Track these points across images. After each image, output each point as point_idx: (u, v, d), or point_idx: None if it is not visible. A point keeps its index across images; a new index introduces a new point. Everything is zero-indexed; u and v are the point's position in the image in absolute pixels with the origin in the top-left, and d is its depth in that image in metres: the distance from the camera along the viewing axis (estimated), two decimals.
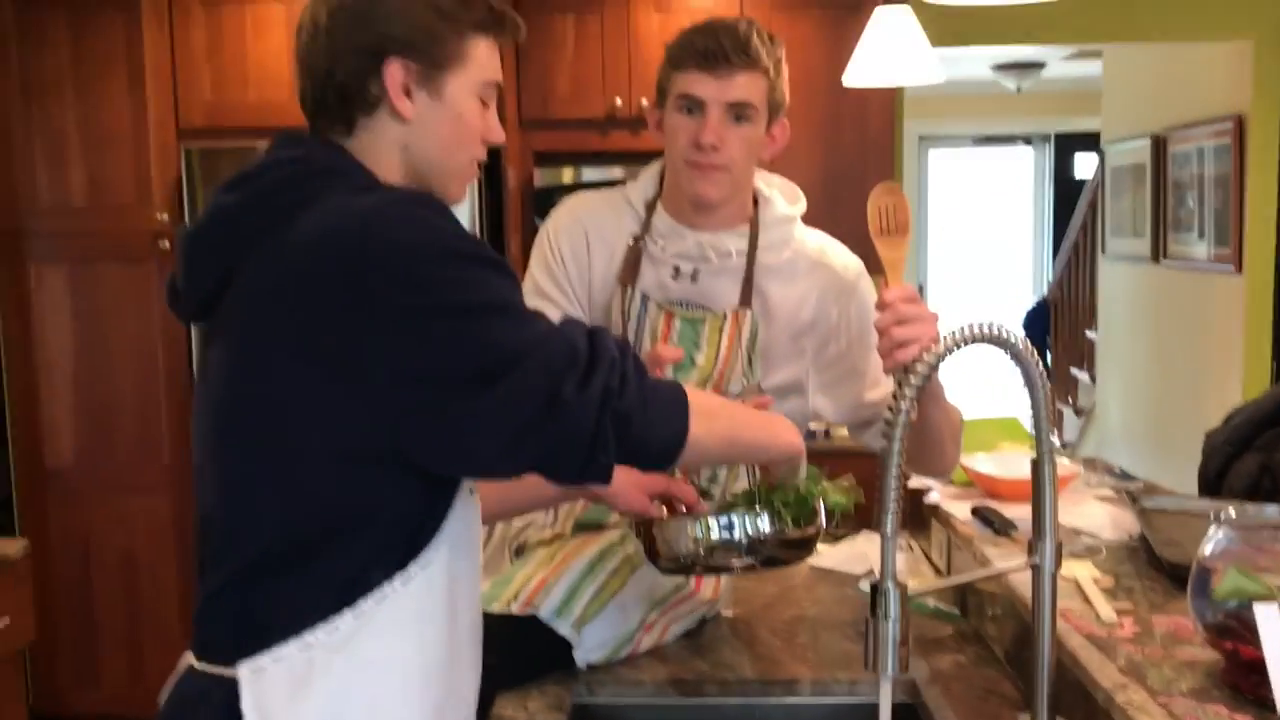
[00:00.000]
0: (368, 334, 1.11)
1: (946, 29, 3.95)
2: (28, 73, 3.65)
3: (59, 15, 3.63)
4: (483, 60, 1.28)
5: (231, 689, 1.16)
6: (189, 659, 1.23)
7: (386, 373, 1.11)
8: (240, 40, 3.63)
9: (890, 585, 1.13)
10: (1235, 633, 1.18)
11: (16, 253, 3.72)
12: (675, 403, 1.22)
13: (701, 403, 1.26)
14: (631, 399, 1.16)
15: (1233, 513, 1.27)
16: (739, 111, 1.68)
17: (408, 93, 1.24)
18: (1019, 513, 1.86)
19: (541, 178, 3.91)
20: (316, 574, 1.17)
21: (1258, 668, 1.14)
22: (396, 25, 1.23)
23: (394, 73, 1.23)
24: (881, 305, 1.53)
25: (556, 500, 1.66)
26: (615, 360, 1.16)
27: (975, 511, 1.95)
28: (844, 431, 3.95)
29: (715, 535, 1.43)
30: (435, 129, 1.26)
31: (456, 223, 1.19)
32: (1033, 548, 1.26)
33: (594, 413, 1.12)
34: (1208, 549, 1.23)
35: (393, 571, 1.19)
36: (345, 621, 1.17)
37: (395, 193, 1.21)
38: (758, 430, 1.39)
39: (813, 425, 3.82)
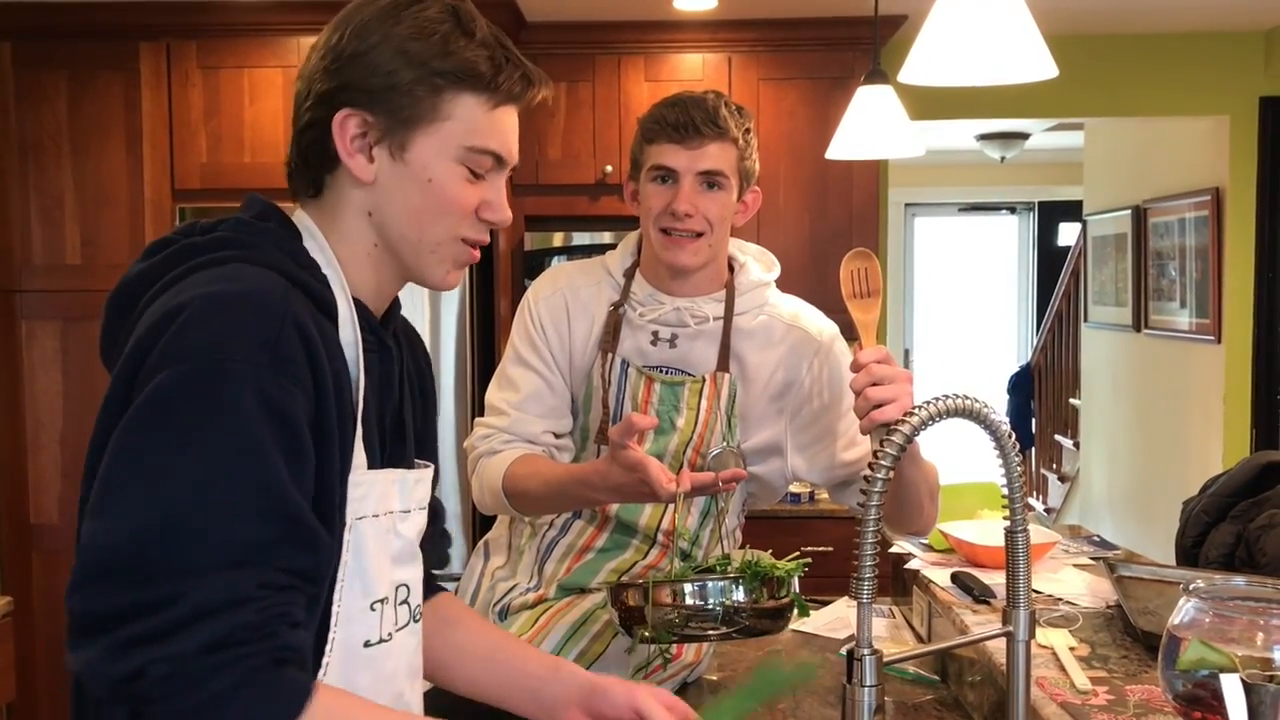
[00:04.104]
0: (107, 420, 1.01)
1: (929, 103, 4.04)
2: (25, 131, 3.71)
3: (58, 75, 3.69)
4: (467, 121, 1.11)
5: None
6: None
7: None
8: (237, 104, 3.69)
9: (866, 652, 1.15)
10: (1204, 702, 1.20)
11: (8, 309, 3.75)
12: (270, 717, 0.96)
13: None
14: (206, 679, 0.93)
15: (1201, 583, 1.29)
16: (710, 179, 1.73)
17: (369, 151, 1.11)
18: (999, 579, 1.89)
19: (532, 241, 3.96)
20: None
21: None
22: (358, 71, 1.09)
23: (344, 125, 1.09)
24: (856, 366, 1.57)
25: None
26: (245, 627, 0.95)
27: (955, 578, 1.98)
28: (826, 495, 3.98)
29: (691, 604, 1.46)
30: (400, 195, 1.12)
31: (280, 348, 0.99)
32: (1007, 616, 1.28)
33: (140, 662, 0.92)
34: (1178, 619, 1.26)
35: None
36: None
37: (232, 290, 1.01)
38: None
39: (795, 489, 3.85)
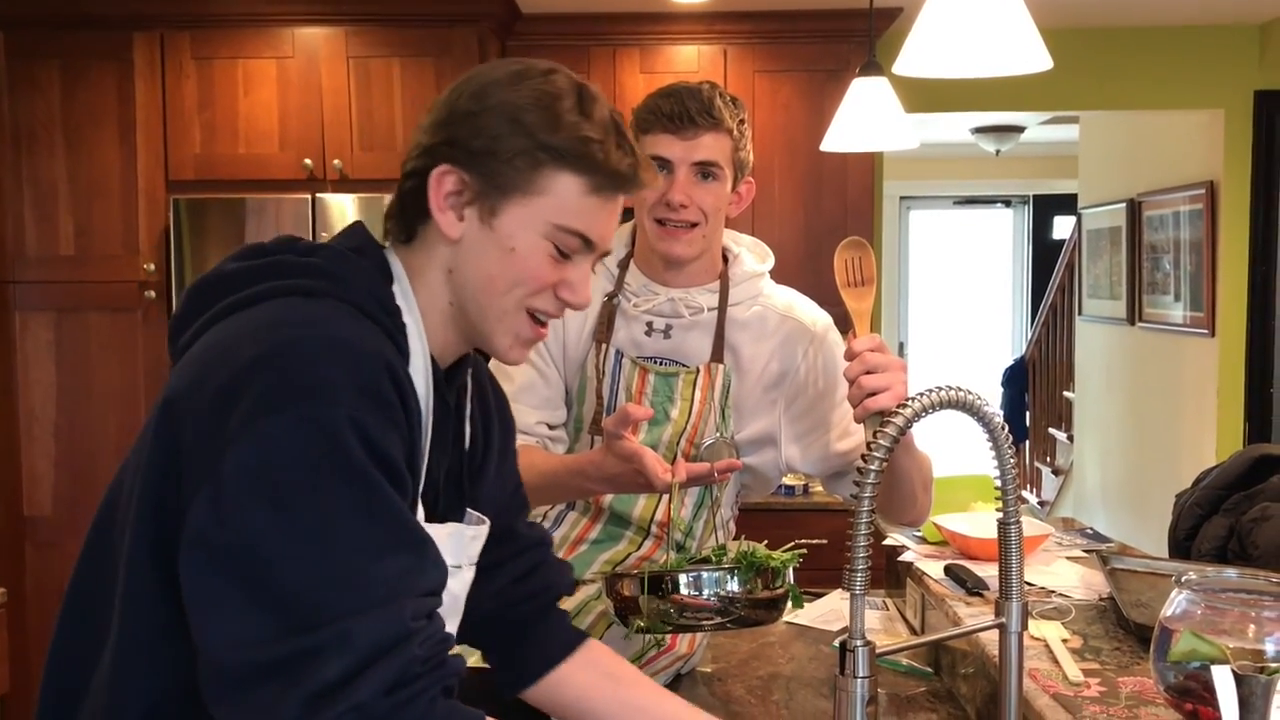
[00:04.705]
0: (189, 469, 0.98)
1: (924, 96, 4.04)
2: (18, 122, 3.70)
3: (51, 65, 3.68)
4: (561, 199, 1.09)
5: None
6: None
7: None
8: (231, 94, 3.68)
9: (858, 643, 1.15)
10: (1195, 694, 1.20)
11: (1, 300, 3.74)
12: None
13: None
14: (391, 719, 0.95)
15: (1193, 575, 1.29)
16: (705, 170, 1.73)
17: (461, 210, 1.10)
18: (992, 571, 1.89)
19: None
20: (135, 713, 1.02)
21: None
22: (466, 129, 1.09)
23: (441, 180, 1.09)
24: (850, 355, 1.57)
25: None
26: (415, 661, 0.97)
27: (948, 570, 1.98)
28: (819, 488, 3.98)
29: (686, 594, 1.46)
30: (481, 259, 1.10)
31: (369, 389, 0.99)
32: (1000, 608, 1.29)
33: (330, 716, 0.93)
34: (1170, 611, 1.26)
35: None
36: None
37: (331, 333, 1.01)
38: None
39: (789, 481, 3.85)
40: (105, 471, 3.85)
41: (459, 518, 1.22)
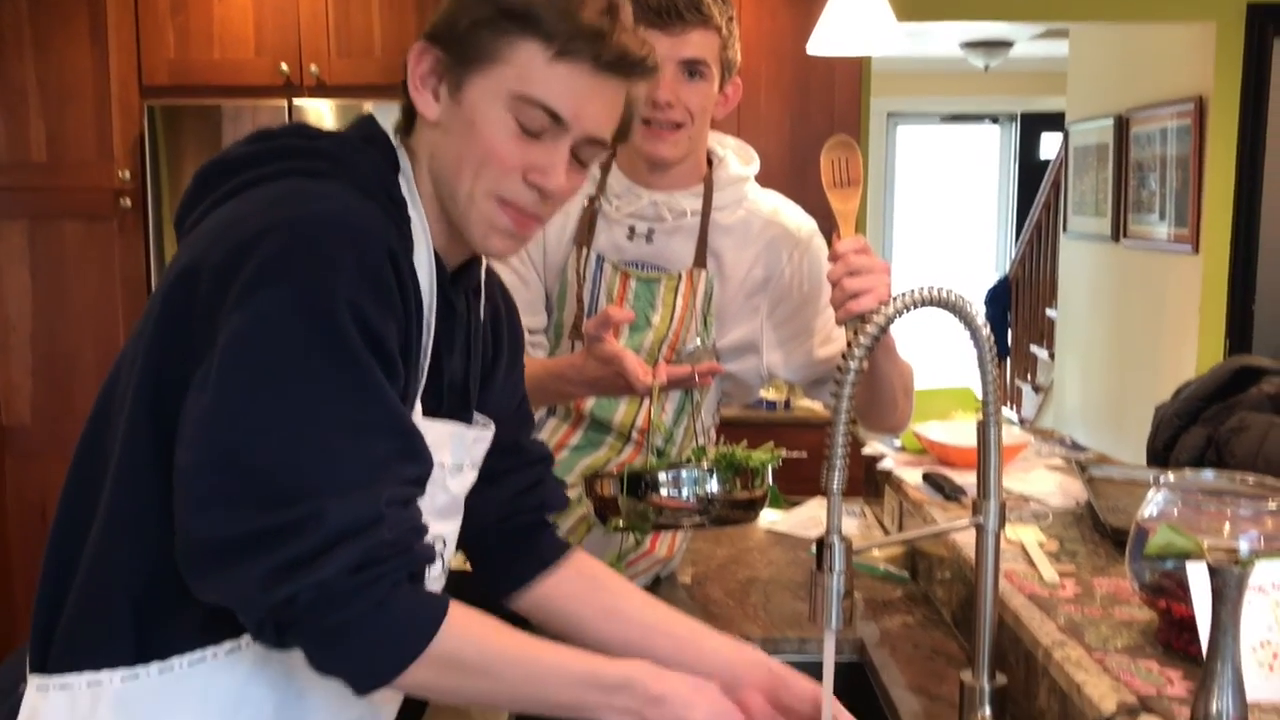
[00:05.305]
0: (194, 344, 0.98)
1: (914, 3, 3.97)
2: None
3: None
4: (521, 67, 1.04)
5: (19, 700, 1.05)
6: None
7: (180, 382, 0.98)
8: None
9: (835, 539, 1.15)
10: (1169, 592, 1.21)
11: None
12: (409, 632, 0.99)
13: (466, 651, 1.02)
14: (352, 599, 0.95)
15: (1172, 477, 1.30)
16: (692, 68, 1.69)
17: (435, 89, 1.08)
18: (969, 479, 1.90)
19: None
20: (124, 599, 1.03)
21: (1189, 625, 1.17)
22: (450, 11, 1.07)
23: (419, 58, 1.08)
24: (834, 256, 1.55)
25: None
26: (384, 545, 0.97)
27: (926, 477, 1.99)
28: (805, 402, 3.99)
29: (665, 494, 1.46)
30: (451, 138, 1.08)
31: (368, 274, 0.98)
32: (977, 507, 1.29)
33: (293, 590, 0.94)
34: (1147, 511, 1.26)
35: (221, 635, 1.03)
36: (149, 674, 1.02)
37: (334, 211, 1.00)
38: (540, 703, 1.07)
39: (772, 396, 3.85)
40: (84, 381, 3.85)
41: (465, 420, 1.21)
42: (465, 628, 1.03)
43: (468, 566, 1.40)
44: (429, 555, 1.04)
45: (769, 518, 2.30)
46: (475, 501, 1.25)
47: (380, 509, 0.97)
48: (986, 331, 1.23)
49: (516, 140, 1.06)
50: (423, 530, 1.04)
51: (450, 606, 1.02)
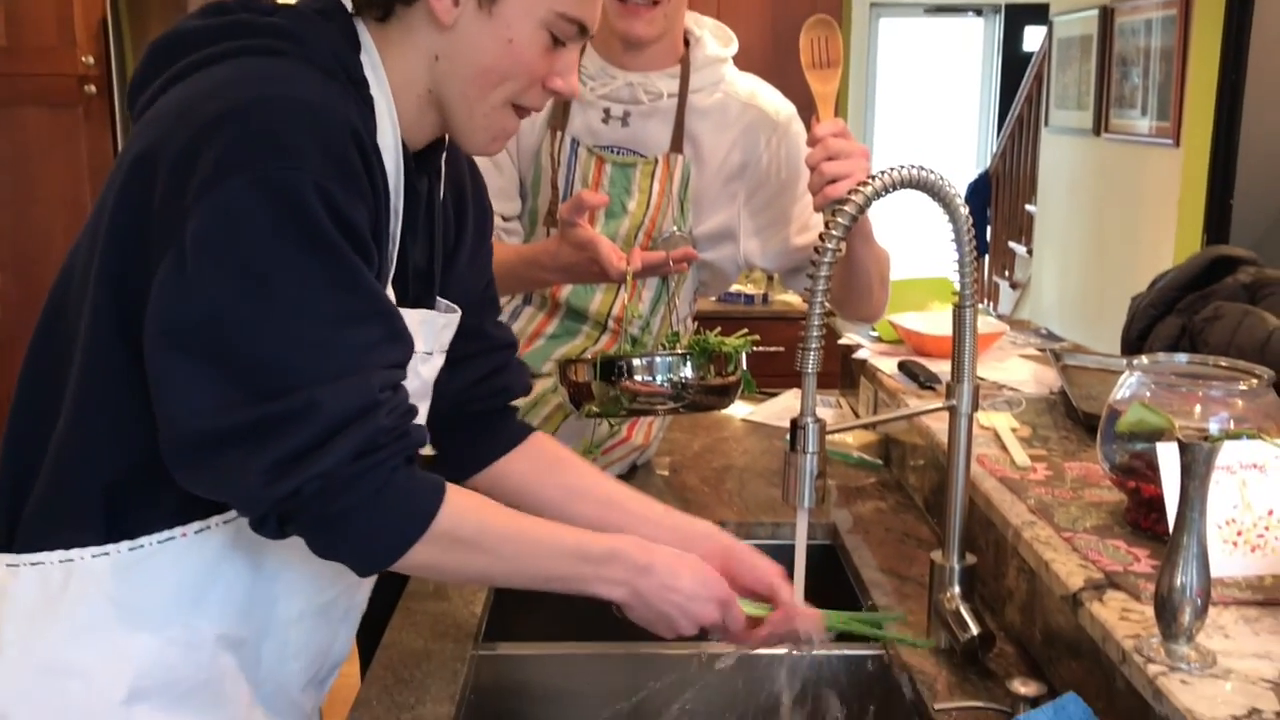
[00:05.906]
0: (154, 233, 0.95)
1: None
2: None
3: None
4: None
5: None
6: None
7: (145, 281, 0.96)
8: None
9: (809, 420, 1.15)
10: (1139, 473, 1.23)
11: None
12: (410, 515, 1.01)
13: (465, 529, 1.04)
14: (354, 486, 0.96)
15: (1145, 360, 1.30)
16: None
17: None
18: (945, 368, 1.90)
19: None
20: (95, 485, 1.02)
21: (1157, 505, 1.19)
22: None
23: None
24: (812, 140, 1.53)
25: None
26: (381, 430, 0.97)
27: (901, 366, 1.99)
28: (782, 296, 3.99)
29: (639, 379, 1.45)
30: (476, 47, 1.05)
31: (335, 157, 0.96)
32: (950, 390, 1.29)
33: (297, 482, 0.94)
34: (1119, 394, 1.27)
35: (191, 517, 1.04)
36: (119, 550, 1.03)
37: (295, 95, 0.97)
38: (535, 576, 1.11)
39: (750, 289, 3.85)
40: (54, 273, 3.77)
41: (430, 305, 1.20)
42: (463, 507, 1.05)
43: (429, 450, 1.40)
44: (423, 438, 1.04)
45: (744, 409, 2.31)
46: (438, 386, 1.25)
47: (375, 395, 0.97)
48: (965, 211, 1.22)
49: (546, 53, 1.08)
50: (414, 412, 1.04)
51: (447, 487, 1.04)
